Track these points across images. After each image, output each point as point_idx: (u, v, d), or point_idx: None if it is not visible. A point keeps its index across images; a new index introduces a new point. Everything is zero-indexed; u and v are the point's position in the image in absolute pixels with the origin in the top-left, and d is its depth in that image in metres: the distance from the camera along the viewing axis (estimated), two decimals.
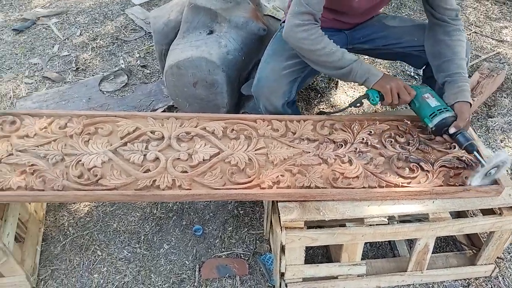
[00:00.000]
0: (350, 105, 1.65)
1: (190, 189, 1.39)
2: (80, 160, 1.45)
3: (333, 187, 1.42)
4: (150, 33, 3.05)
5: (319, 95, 2.54)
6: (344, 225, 1.43)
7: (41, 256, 1.79)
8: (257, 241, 1.86)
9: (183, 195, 1.38)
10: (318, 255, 1.80)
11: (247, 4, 1.97)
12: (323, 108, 2.47)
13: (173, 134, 1.56)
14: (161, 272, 1.76)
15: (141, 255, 1.81)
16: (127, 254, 1.81)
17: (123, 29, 3.10)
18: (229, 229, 1.90)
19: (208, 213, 1.97)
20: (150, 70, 2.75)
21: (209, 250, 1.83)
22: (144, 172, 1.43)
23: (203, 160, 1.48)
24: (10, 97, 2.56)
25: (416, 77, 2.71)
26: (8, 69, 2.78)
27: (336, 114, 1.78)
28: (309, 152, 1.52)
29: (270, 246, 1.82)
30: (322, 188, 1.41)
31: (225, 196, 1.40)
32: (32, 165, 1.43)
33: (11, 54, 2.91)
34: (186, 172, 1.44)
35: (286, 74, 1.68)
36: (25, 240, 1.75)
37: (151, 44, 2.97)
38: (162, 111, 2.44)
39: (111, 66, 2.79)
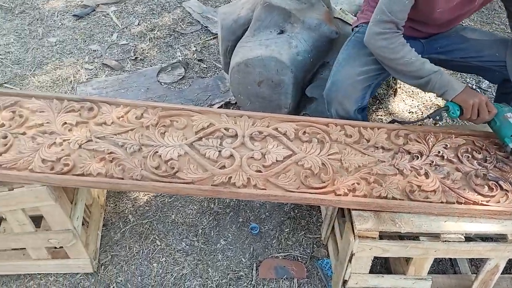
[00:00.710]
0: (428, 117, 1.61)
1: (265, 189, 1.39)
2: (157, 152, 1.47)
3: (410, 200, 1.39)
4: (206, 27, 3.07)
5: (378, 101, 2.50)
6: (414, 238, 1.40)
7: (101, 241, 1.83)
8: (314, 245, 1.85)
9: (259, 194, 1.38)
10: (376, 264, 1.77)
11: (321, 6, 1.95)
12: (381, 115, 2.43)
13: (246, 132, 1.56)
14: (218, 267, 1.77)
15: (198, 249, 1.83)
16: (185, 247, 1.83)
17: (180, 22, 3.13)
18: (285, 230, 1.90)
19: (264, 212, 1.97)
20: (206, 65, 2.77)
21: (266, 250, 1.83)
22: (220, 168, 1.44)
23: (276, 161, 1.48)
24: (71, 82, 2.62)
25: (478, 90, 2.64)
26: (69, 54, 2.84)
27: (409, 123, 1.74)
28: (384, 162, 1.50)
29: (327, 251, 1.81)
30: (399, 199, 1.39)
31: (300, 200, 1.39)
32: (111, 152, 1.45)
33: (71, 39, 2.97)
34: (260, 171, 1.44)
35: (361, 79, 1.66)
36: (89, 224, 1.80)
37: (207, 38, 2.99)
38: (219, 107, 2.45)
39: (168, 58, 2.82)
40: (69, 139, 1.48)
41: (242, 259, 1.80)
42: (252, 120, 1.61)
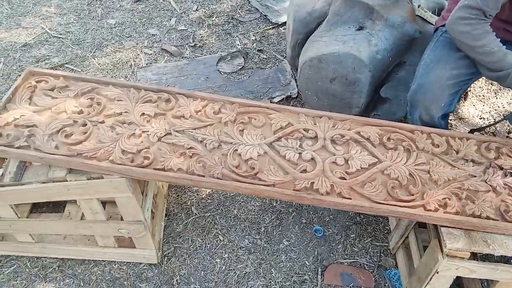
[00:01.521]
0: (504, 118, 1.50)
1: (351, 199, 1.33)
2: (237, 150, 1.43)
3: (505, 220, 1.30)
4: (265, 15, 2.98)
5: None
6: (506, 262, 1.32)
7: (164, 232, 1.82)
8: (382, 254, 1.78)
9: (344, 204, 1.32)
10: None
11: (406, 3, 1.84)
12: (450, 120, 2.31)
13: (327, 135, 1.49)
14: (281, 268, 1.73)
15: (261, 247, 1.79)
16: (248, 244, 1.80)
17: (239, 9, 3.06)
18: (351, 236, 1.83)
19: (328, 215, 1.91)
20: (266, 55, 2.69)
21: (331, 255, 1.77)
22: (301, 172, 1.38)
23: (361, 168, 1.41)
24: (131, 66, 2.60)
25: None
26: (128, 37, 2.82)
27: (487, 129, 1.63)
28: (476, 176, 1.40)
29: (396, 261, 1.74)
30: (494, 219, 1.30)
31: (388, 213, 1.32)
32: (191, 148, 1.42)
33: (130, 22, 2.95)
34: (344, 178, 1.38)
35: (451, 84, 1.56)
36: (154, 214, 1.78)
37: (266, 28, 2.90)
38: (279, 101, 2.39)
39: (227, 46, 2.76)
40: (148, 131, 1.45)
41: (306, 262, 1.75)
42: (332, 122, 1.54)
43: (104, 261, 1.73)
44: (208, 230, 1.84)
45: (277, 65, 2.62)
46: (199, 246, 1.78)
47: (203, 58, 2.64)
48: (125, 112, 1.50)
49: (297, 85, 2.42)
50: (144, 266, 1.72)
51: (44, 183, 1.41)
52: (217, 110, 1.54)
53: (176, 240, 1.80)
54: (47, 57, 2.65)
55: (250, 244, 1.80)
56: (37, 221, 1.57)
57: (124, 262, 1.73)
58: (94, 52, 2.69)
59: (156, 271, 1.70)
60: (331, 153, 1.45)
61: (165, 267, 1.72)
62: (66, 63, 2.60)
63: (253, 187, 1.34)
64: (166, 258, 1.75)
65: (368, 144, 1.47)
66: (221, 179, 1.35)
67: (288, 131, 1.50)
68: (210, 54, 2.69)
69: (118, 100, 1.54)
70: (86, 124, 1.45)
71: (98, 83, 1.59)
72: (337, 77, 1.91)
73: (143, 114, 1.51)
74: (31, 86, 1.56)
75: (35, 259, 1.71)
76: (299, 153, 1.44)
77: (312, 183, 1.35)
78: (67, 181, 1.40)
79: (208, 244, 1.79)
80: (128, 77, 2.52)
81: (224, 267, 1.72)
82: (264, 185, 1.34)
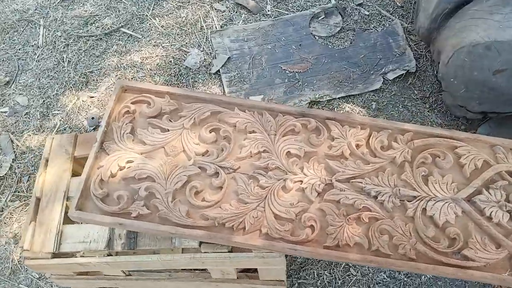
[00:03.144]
0: None
1: None
2: (425, 209, 1.05)
3: None
4: None
5: None
6: None
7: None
8: None
9: None
10: None
11: None
12: None
13: None
14: None
15: (401, 282, 1.50)
16: (385, 278, 1.51)
17: None
18: None
19: None
20: (368, 11, 2.14)
21: None
22: None
23: None
24: (201, 28, 2.09)
25: None
26: None
27: None
28: None
29: None
30: None
31: None
32: (364, 208, 1.04)
33: None
34: None
35: None
36: None
37: None
38: (395, 78, 1.92)
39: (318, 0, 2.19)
40: (302, 181, 1.07)
41: None
42: None
43: None
44: (336, 263, 1.54)
45: (385, 26, 2.08)
46: (328, 282, 1.50)
47: (290, 17, 2.10)
48: (264, 151, 1.10)
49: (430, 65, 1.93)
50: None
51: (168, 252, 1.07)
52: (385, 143, 1.13)
53: (299, 274, 1.52)
54: (96, 17, 2.12)
55: (388, 279, 1.51)
56: (151, 280, 1.26)
57: None
58: (152, 10, 2.15)
59: None
60: None
61: None
62: (122, 26, 2.09)
63: (463, 272, 0.99)
64: None
65: None
66: (415, 261, 1.00)
67: (489, 176, 1.10)
68: (299, 11, 2.14)
69: (251, 132, 1.13)
70: (218, 174, 1.06)
71: (217, 103, 1.16)
72: (508, 70, 1.44)
73: (288, 153, 1.10)
74: (129, 112, 1.14)
75: None
76: (508, 212, 1.06)
77: None
78: (201, 252, 1.07)
79: (339, 279, 1.51)
80: (202, 46, 2.03)
81: None
82: (473, 267, 0.99)
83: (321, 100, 1.89)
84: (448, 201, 1.06)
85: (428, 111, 1.86)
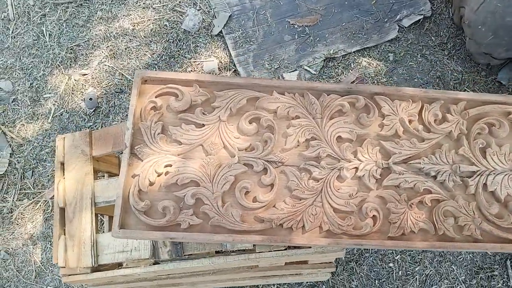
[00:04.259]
0: None
1: None
2: (486, 184, 1.00)
3: None
4: None
5: None
6: None
7: None
8: None
9: None
10: None
11: None
12: None
13: None
14: (462, 264, 1.48)
15: None
16: None
17: None
18: None
19: None
20: None
21: None
22: None
23: None
24: None
25: None
26: None
27: None
28: None
29: None
30: None
31: None
32: (426, 191, 0.98)
33: None
34: None
35: None
36: None
37: None
38: (410, 25, 1.79)
39: None
40: (357, 167, 0.99)
41: (488, 253, 1.50)
42: None
43: None
44: None
45: None
46: (364, 249, 1.49)
47: None
48: (312, 138, 1.00)
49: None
50: (309, 284, 1.45)
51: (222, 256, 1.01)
52: (439, 116, 1.04)
53: None
54: None
55: None
56: (195, 275, 1.20)
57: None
58: None
59: (324, 287, 1.44)
60: None
61: (333, 281, 1.45)
62: None
63: None
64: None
65: None
66: (482, 242, 0.96)
67: None
68: None
69: (294, 117, 1.02)
70: (267, 170, 0.97)
71: (252, 87, 1.03)
72: None
73: (339, 138, 1.01)
74: (156, 108, 1.00)
75: None
76: None
77: None
78: (256, 252, 1.00)
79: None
80: (198, 4, 1.81)
81: (400, 272, 1.47)
82: None
83: (336, 56, 1.76)
84: (508, 173, 1.01)
85: (447, 59, 1.77)
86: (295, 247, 1.02)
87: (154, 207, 0.93)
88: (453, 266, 1.48)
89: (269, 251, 1.01)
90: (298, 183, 0.97)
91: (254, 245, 1.02)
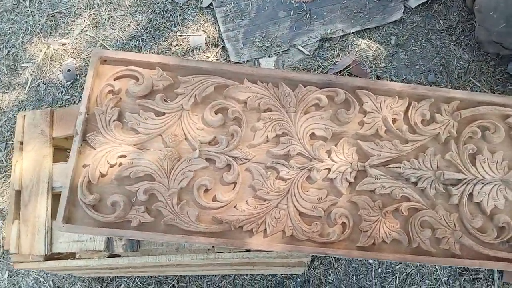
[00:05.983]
0: None
1: None
2: (472, 194, 0.91)
3: None
4: None
5: None
6: None
7: None
8: None
9: None
10: None
11: None
12: None
13: None
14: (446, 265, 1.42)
15: None
16: None
17: None
18: None
19: None
20: None
21: None
22: None
23: None
24: None
25: None
26: None
27: None
28: None
29: None
30: None
31: None
32: (403, 198, 0.90)
33: None
34: None
35: None
36: None
37: None
38: (417, 6, 1.64)
39: None
40: (330, 169, 0.90)
41: None
42: None
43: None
44: None
45: None
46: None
47: None
48: (283, 134, 0.91)
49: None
50: (283, 276, 1.40)
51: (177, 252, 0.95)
52: (427, 116, 0.94)
53: None
54: None
55: None
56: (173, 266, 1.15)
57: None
58: None
59: (299, 280, 1.39)
60: None
61: (308, 274, 1.39)
62: None
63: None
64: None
65: None
66: (458, 257, 0.88)
67: None
68: None
69: (265, 110, 0.92)
70: (230, 166, 0.89)
71: (221, 74, 0.93)
72: None
73: (312, 135, 0.92)
74: (113, 92, 0.91)
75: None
76: None
77: None
78: (215, 252, 0.94)
79: None
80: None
81: (380, 270, 1.40)
82: None
83: (333, 36, 1.63)
84: (498, 183, 0.92)
85: (454, 45, 1.63)
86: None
87: (103, 201, 0.87)
88: (436, 266, 1.41)
89: (229, 252, 0.95)
90: (263, 183, 0.89)
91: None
